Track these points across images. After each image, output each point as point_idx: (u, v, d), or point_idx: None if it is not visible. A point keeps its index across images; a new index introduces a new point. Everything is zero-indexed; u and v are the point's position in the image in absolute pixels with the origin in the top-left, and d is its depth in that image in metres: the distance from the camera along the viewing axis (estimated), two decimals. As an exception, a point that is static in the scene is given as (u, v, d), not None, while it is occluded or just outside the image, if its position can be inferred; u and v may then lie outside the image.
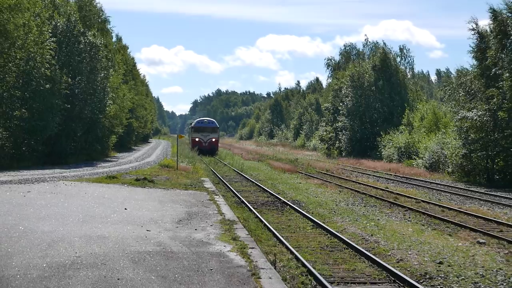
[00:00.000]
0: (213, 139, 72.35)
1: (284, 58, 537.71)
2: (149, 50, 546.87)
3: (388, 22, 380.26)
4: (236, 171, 43.73)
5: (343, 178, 39.10)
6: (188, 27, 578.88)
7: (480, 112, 37.29)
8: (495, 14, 37.82)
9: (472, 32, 40.07)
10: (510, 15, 37.26)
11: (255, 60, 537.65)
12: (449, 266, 13.64)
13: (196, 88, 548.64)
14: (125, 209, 18.96)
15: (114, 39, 78.28)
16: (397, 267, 13.59)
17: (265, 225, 18.71)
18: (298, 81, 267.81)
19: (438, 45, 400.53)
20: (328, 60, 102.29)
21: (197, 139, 71.93)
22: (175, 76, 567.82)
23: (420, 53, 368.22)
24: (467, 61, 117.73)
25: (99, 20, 54.13)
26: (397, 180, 38.81)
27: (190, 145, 74.60)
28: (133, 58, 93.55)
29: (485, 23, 39.99)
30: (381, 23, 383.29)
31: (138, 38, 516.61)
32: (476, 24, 40.03)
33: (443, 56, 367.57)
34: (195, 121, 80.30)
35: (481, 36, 39.66)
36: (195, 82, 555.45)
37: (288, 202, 24.64)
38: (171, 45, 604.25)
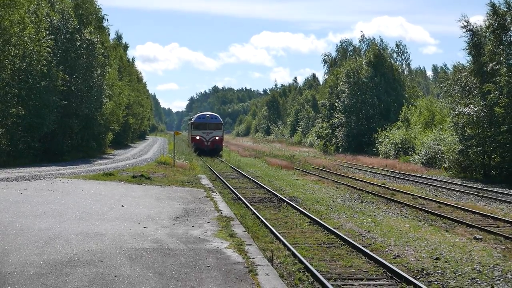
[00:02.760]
0: (217, 137, 61.54)
1: (279, 55, 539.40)
2: (144, 47, 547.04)
3: (381, 19, 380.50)
4: (233, 167, 43.73)
5: (339, 175, 39.12)
6: (182, 24, 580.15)
7: (477, 108, 37.36)
8: (494, 8, 37.84)
9: (464, 30, 40.15)
10: (508, 9, 37.26)
11: (250, 57, 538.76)
12: (446, 262, 13.66)
13: (191, 84, 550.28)
14: (122, 206, 18.94)
15: (114, 36, 78.33)
16: (394, 263, 13.60)
17: (262, 221, 18.74)
18: (296, 77, 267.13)
19: (433, 41, 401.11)
20: (325, 56, 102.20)
21: (197, 138, 61.40)
22: (170, 73, 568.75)
23: (414, 49, 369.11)
24: (464, 58, 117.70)
25: (96, 18, 53.90)
26: (393, 176, 38.85)
27: (190, 144, 64.02)
28: (128, 55, 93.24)
29: (478, 19, 40.15)
30: (374, 20, 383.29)
31: (132, 35, 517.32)
32: (467, 22, 40.12)
33: (437, 52, 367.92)
34: (196, 116, 67.64)
35: (474, 32, 39.71)
36: (191, 78, 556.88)
37: (285, 199, 24.65)
38: (165, 42, 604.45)
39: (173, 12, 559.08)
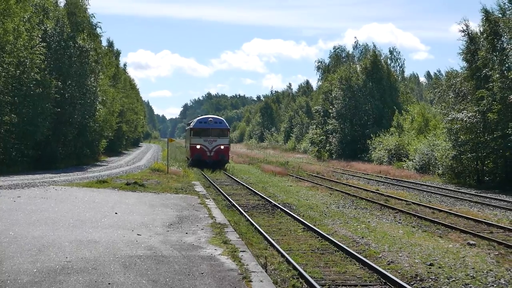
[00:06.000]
0: (222, 146, 50.18)
1: (271, 61, 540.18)
2: (136, 54, 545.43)
3: (370, 26, 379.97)
4: (226, 174, 43.69)
5: (333, 181, 39.14)
6: (173, 31, 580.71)
7: (470, 114, 37.43)
8: (487, 14, 37.99)
9: (462, 34, 40.31)
10: (502, 16, 37.45)
11: (242, 64, 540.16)
12: (439, 267, 13.68)
13: (184, 91, 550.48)
14: (116, 213, 18.92)
15: (105, 43, 78.21)
16: (388, 269, 13.61)
17: (256, 228, 18.72)
18: (290, 83, 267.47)
19: (423, 47, 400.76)
20: (318, 62, 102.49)
21: (198, 146, 50.07)
22: (163, 79, 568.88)
23: (405, 55, 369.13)
24: (456, 63, 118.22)
25: (89, 25, 53.97)
26: (387, 182, 38.89)
27: (189, 155, 53.48)
28: (120, 62, 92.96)
29: (469, 25, 40.14)
30: (364, 27, 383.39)
31: (124, 42, 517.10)
32: (467, 26, 40.27)
33: (428, 57, 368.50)
34: (196, 120, 54.67)
35: (471, 37, 39.88)
36: (184, 85, 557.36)
37: (279, 205, 24.63)
38: (157, 49, 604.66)
39: (164, 19, 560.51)
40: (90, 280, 10.46)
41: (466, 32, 40.28)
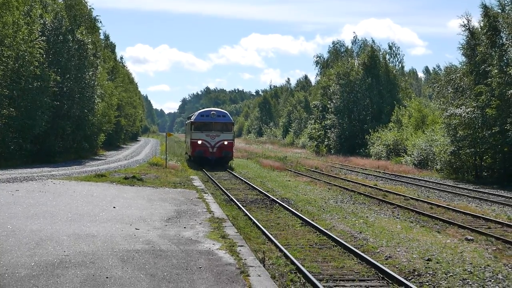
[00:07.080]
0: (225, 142, 45.34)
1: (269, 56, 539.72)
2: (134, 49, 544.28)
3: (368, 21, 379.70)
4: (225, 169, 43.61)
5: (332, 176, 39.14)
6: (170, 26, 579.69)
7: (469, 109, 37.41)
8: (486, 10, 37.97)
9: (463, 29, 40.30)
10: (501, 11, 37.43)
11: (240, 58, 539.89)
12: (437, 263, 13.68)
13: (183, 85, 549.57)
14: (114, 207, 18.92)
15: (101, 36, 78.01)
16: (386, 264, 13.61)
17: (254, 223, 18.72)
18: (288, 78, 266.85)
19: (421, 42, 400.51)
20: (317, 57, 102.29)
21: (199, 142, 45.13)
22: (161, 74, 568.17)
23: (402, 50, 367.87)
24: (455, 58, 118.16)
25: (88, 19, 53.86)
26: (385, 178, 38.90)
27: (189, 151, 49.32)
28: (121, 57, 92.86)
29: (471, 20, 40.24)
30: (362, 22, 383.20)
31: (122, 37, 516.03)
32: (468, 21, 40.26)
33: (426, 53, 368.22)
34: (197, 113, 48.75)
35: (472, 32, 39.88)
36: (182, 79, 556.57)
37: (277, 200, 24.64)
38: (155, 44, 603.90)
39: (162, 14, 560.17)
40: (88, 274, 10.46)
41: (467, 27, 40.27)
